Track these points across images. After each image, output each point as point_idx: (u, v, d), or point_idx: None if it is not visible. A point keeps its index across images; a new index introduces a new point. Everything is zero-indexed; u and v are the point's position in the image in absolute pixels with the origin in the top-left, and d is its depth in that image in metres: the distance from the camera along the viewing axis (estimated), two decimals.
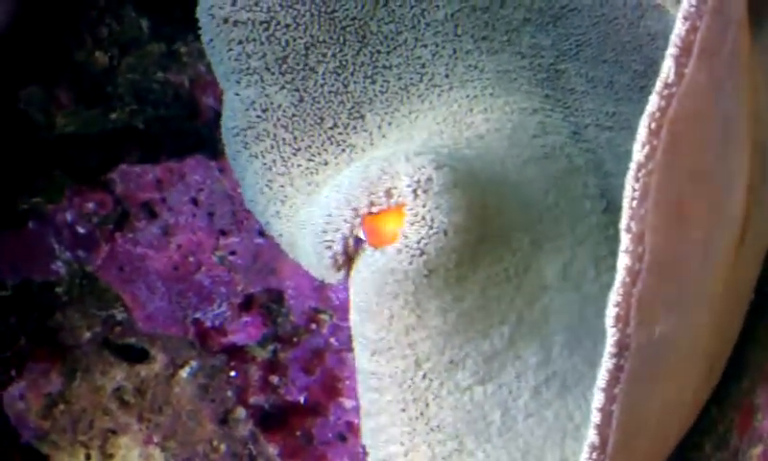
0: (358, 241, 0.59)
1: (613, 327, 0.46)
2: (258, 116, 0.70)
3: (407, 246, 0.58)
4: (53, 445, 0.89)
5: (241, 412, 0.84)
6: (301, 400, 0.82)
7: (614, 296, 0.46)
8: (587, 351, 0.63)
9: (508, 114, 0.66)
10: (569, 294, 0.63)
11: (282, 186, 0.68)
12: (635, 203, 0.45)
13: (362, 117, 0.68)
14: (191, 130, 0.92)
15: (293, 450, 0.83)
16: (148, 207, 0.89)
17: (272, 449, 0.83)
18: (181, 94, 0.95)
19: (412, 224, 0.57)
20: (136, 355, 0.90)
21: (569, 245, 0.63)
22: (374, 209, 0.59)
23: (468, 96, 0.66)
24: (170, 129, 0.95)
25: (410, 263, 0.58)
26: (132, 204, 0.89)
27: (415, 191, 0.58)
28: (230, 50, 0.70)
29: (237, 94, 0.71)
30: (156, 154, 0.93)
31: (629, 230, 0.45)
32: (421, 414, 0.61)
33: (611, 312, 0.46)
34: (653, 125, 0.45)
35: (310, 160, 0.68)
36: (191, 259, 0.86)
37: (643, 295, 0.46)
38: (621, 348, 0.46)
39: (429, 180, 0.58)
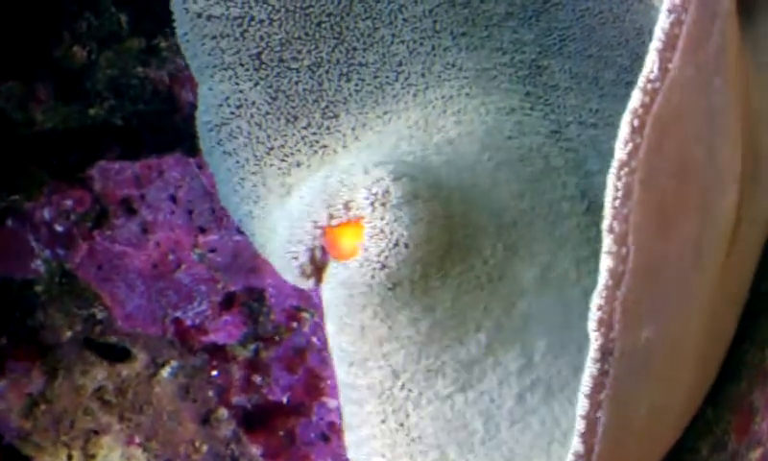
0: (324, 252, 0.55)
1: (596, 331, 0.42)
2: (232, 113, 0.66)
3: (368, 260, 0.54)
4: (35, 445, 0.85)
5: (223, 412, 0.80)
6: (284, 399, 0.78)
7: (597, 299, 0.42)
8: (571, 356, 0.59)
9: (482, 116, 0.61)
10: (550, 298, 0.59)
11: (255, 186, 0.64)
12: (617, 202, 0.40)
13: (336, 117, 0.63)
14: (170, 126, 0.87)
15: (276, 451, 0.79)
16: (127, 205, 0.84)
17: (255, 450, 0.79)
18: (161, 90, 0.91)
19: (371, 237, 0.54)
20: (118, 355, 0.85)
21: (547, 248, 0.59)
22: (334, 222, 0.55)
23: (443, 97, 0.62)
24: (149, 125, 0.90)
25: (372, 277, 0.54)
26: (110, 201, 0.84)
27: (372, 204, 0.54)
28: (204, 45, 0.66)
29: (211, 89, 0.67)
30: (137, 150, 0.89)
31: (611, 230, 0.41)
32: (401, 425, 0.57)
33: (593, 316, 0.42)
34: (635, 121, 0.40)
35: (283, 161, 0.63)
36: (170, 257, 0.81)
37: (628, 298, 0.42)
38: (605, 353, 0.42)
39: (387, 192, 0.54)
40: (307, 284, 0.58)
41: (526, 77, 0.66)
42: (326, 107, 0.64)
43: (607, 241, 0.41)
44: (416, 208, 0.54)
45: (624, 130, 0.40)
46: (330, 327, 0.58)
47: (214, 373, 0.80)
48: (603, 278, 0.41)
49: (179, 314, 0.80)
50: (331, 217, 0.55)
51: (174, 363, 0.82)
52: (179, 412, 0.81)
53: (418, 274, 0.54)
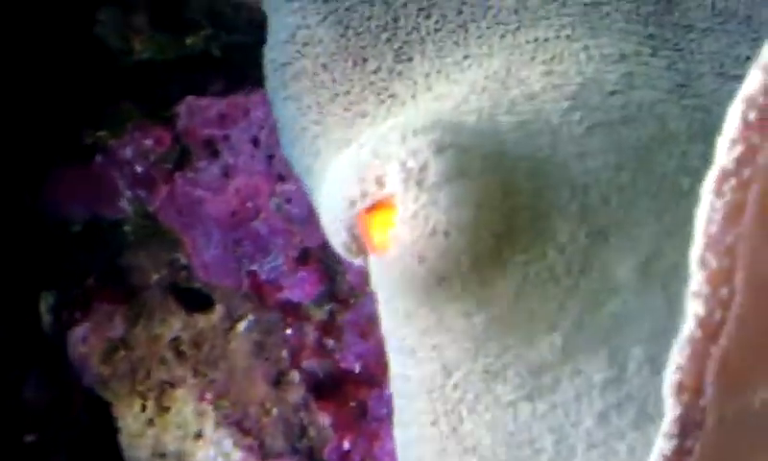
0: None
1: (674, 397, 0.30)
2: (298, 51, 0.57)
3: (403, 251, 0.43)
4: (112, 392, 0.81)
5: (294, 375, 0.73)
6: (357, 368, 0.70)
7: (679, 357, 0.29)
8: None
9: (581, 64, 0.48)
10: (652, 297, 0.46)
11: (316, 137, 0.55)
12: (716, 226, 0.28)
13: (409, 60, 0.53)
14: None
15: (346, 423, 0.71)
16: (209, 146, 0.77)
17: (324, 420, 0.72)
18: (255, 18, 0.83)
19: (403, 223, 0.43)
20: (200, 303, 0.80)
21: (652, 236, 0.46)
22: (367, 201, 0.44)
23: (536, 40, 0.49)
24: (247, 57, 0.83)
25: (412, 273, 0.43)
26: (192, 141, 0.77)
27: (406, 181, 0.43)
28: None
29: (279, 22, 0.58)
30: (242, 83, 0.82)
31: (704, 264, 0.28)
32: (454, 430, 0.47)
33: (669, 378, 0.30)
34: (751, 113, 0.27)
35: (347, 110, 0.53)
36: (249, 205, 0.74)
37: (730, 353, 0.30)
38: (687, 425, 0.30)
39: (424, 168, 0.42)
40: (357, 261, 0.48)
41: (651, 14, 0.53)
42: (400, 48, 0.53)
43: (697, 279, 0.28)
44: (460, 188, 0.42)
45: (732, 124, 0.27)
46: (379, 307, 0.49)
47: (288, 331, 0.73)
48: (690, 328, 0.29)
49: (254, 267, 0.73)
50: (364, 195, 0.44)
51: (250, 317, 0.75)
52: (251, 370, 0.75)
53: (466, 266, 0.43)
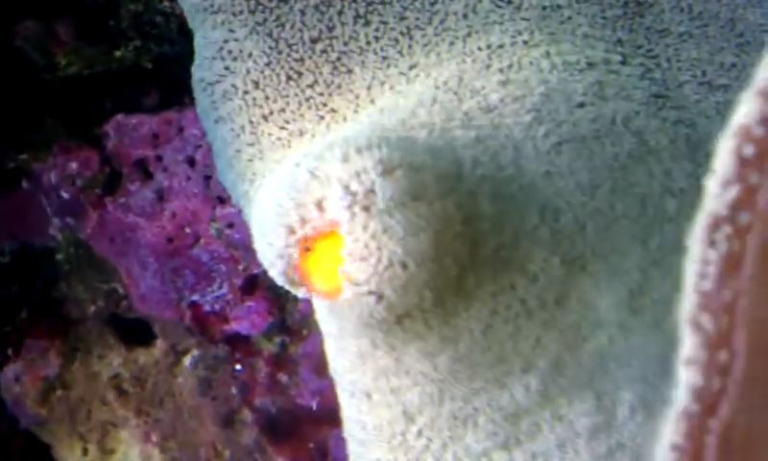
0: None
1: None
2: (226, 67, 0.52)
3: (357, 291, 0.38)
4: (51, 433, 0.75)
5: (247, 415, 0.68)
6: (313, 404, 0.65)
7: (674, 434, 0.25)
8: None
9: (543, 73, 0.43)
10: (642, 334, 0.41)
11: (251, 160, 0.50)
12: (709, 282, 0.23)
13: (349, 72, 0.48)
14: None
15: None
16: (141, 167, 0.71)
17: None
18: (187, 29, 0.77)
19: (352, 256, 0.38)
20: (140, 336, 0.74)
21: (636, 265, 0.41)
22: (308, 229, 0.39)
23: (489, 46, 0.44)
24: (181, 69, 0.78)
25: (369, 313, 0.38)
26: (124, 163, 0.71)
27: (350, 207, 0.37)
28: None
29: (204, 38, 0.53)
30: (180, 96, 0.77)
31: (698, 327, 0.23)
32: None
33: (665, 459, 0.25)
34: (747, 149, 0.22)
35: (282, 129, 0.48)
36: (187, 231, 0.68)
37: (732, 430, 0.25)
38: None
39: (370, 192, 0.37)
40: (302, 294, 0.43)
41: (619, 18, 0.48)
42: (338, 58, 0.48)
43: (691, 343, 0.23)
44: (414, 213, 0.37)
45: (724, 161, 0.22)
46: (326, 343, 0.44)
47: (237, 366, 0.68)
48: (685, 400, 0.24)
49: (196, 298, 0.68)
50: (303, 221, 0.39)
51: (194, 352, 0.70)
52: (199, 410, 0.69)
53: (429, 301, 0.38)
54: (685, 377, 0.25)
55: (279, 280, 0.43)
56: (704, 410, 0.25)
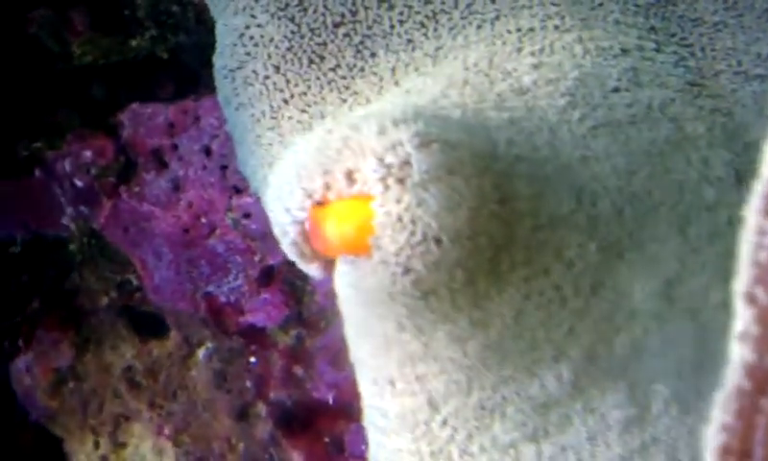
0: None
1: None
2: (247, 53, 0.51)
3: (383, 260, 0.37)
4: (62, 427, 0.74)
5: (261, 408, 0.67)
6: (329, 398, 0.64)
7: (722, 413, 0.24)
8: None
9: (576, 57, 0.42)
10: (679, 324, 0.40)
11: (271, 145, 0.49)
12: (765, 253, 0.22)
13: (372, 55, 0.47)
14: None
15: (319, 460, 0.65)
16: (157, 156, 0.70)
17: (296, 457, 0.66)
18: (205, 18, 0.77)
19: (384, 227, 0.37)
20: (154, 328, 0.73)
21: (674, 253, 0.40)
22: (331, 195, 0.38)
23: (519, 29, 0.43)
24: (197, 58, 0.77)
25: (393, 283, 0.37)
26: (139, 152, 0.71)
27: (384, 180, 0.36)
28: None
29: (226, 24, 0.53)
30: (195, 86, 0.76)
31: (753, 300, 0.22)
32: None
33: (712, 441, 0.24)
34: None
35: (303, 112, 0.48)
36: (203, 221, 0.68)
37: None
38: None
39: (406, 163, 0.36)
40: (313, 271, 0.42)
41: (651, 5, 0.47)
42: (361, 42, 0.48)
43: (744, 317, 0.22)
44: (450, 188, 0.36)
45: None
46: (348, 330, 0.43)
47: (252, 359, 0.67)
48: (736, 377, 0.23)
49: (211, 289, 0.67)
50: (327, 187, 0.38)
51: (209, 344, 0.69)
52: (213, 403, 0.69)
53: (459, 279, 0.37)
54: (737, 353, 0.24)
55: (291, 252, 0.42)
56: (756, 388, 0.24)
